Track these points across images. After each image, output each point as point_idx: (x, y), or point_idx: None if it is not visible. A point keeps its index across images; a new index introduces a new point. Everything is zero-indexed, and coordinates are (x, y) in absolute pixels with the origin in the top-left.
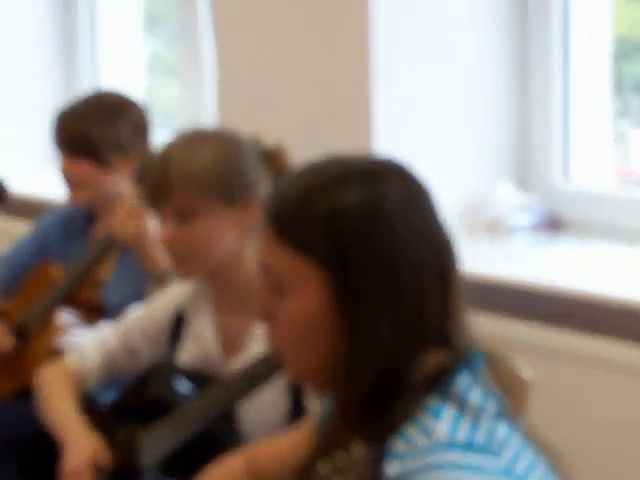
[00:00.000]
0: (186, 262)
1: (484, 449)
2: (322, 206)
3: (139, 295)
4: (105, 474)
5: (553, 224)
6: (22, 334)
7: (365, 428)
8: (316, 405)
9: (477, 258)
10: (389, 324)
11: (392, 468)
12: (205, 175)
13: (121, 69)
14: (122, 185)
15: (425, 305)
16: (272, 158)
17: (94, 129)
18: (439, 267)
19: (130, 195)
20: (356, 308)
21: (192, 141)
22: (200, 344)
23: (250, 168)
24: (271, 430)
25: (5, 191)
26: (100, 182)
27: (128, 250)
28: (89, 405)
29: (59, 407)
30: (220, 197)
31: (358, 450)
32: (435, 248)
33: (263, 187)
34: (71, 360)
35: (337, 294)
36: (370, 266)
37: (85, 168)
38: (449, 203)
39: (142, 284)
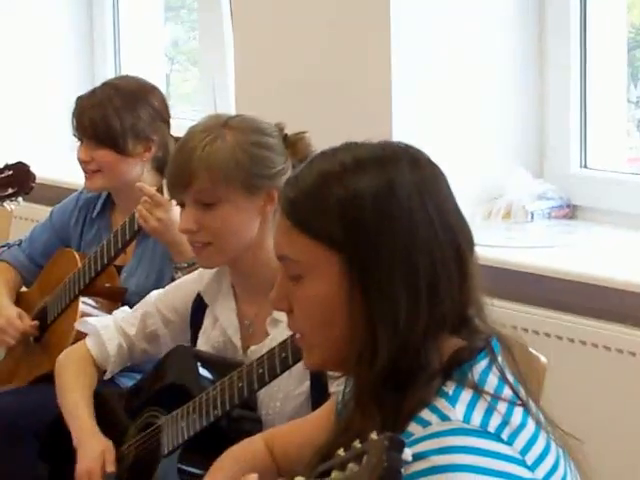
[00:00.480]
0: (208, 250)
1: (498, 435)
2: (337, 193)
3: (159, 282)
4: (112, 476)
5: (570, 211)
6: (43, 320)
7: (382, 412)
8: (338, 387)
9: (494, 245)
10: (405, 307)
11: (407, 451)
12: (227, 163)
13: (142, 56)
14: (142, 171)
15: (441, 289)
16: (295, 146)
17: (113, 116)
18: (455, 251)
19: (152, 182)
20: (372, 291)
21: (214, 128)
22: (221, 330)
23: (274, 156)
24: (294, 416)
25: (32, 180)
26: (119, 169)
27: (147, 237)
28: (107, 393)
29: (74, 401)
30: (242, 185)
31: (375, 436)
32: (450, 232)
33: (287, 175)
34: (91, 345)
35: (353, 278)
36: (385, 250)
37: (104, 155)
38: (467, 190)
39: (161, 271)
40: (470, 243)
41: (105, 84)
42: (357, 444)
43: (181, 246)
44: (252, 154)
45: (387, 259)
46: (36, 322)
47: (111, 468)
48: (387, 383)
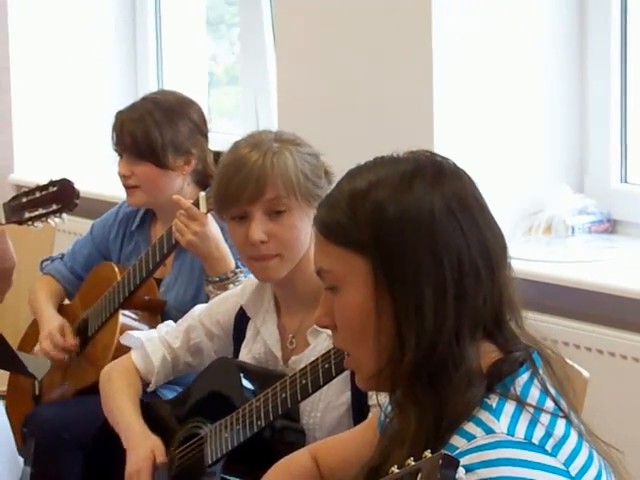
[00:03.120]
0: (275, 261)
1: (542, 446)
2: (365, 207)
3: (197, 296)
4: (164, 473)
5: (610, 226)
6: (84, 333)
7: (421, 412)
8: (381, 399)
9: (535, 259)
10: (431, 305)
11: (461, 469)
12: (297, 173)
13: (184, 71)
14: (182, 185)
15: (469, 290)
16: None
17: (154, 130)
18: (485, 255)
19: (192, 195)
20: (397, 289)
21: (268, 142)
22: (262, 342)
23: (320, 169)
24: (335, 427)
25: (77, 197)
26: (160, 183)
27: (186, 250)
28: (152, 402)
29: (121, 407)
30: (307, 195)
31: (429, 454)
32: (479, 233)
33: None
34: (135, 357)
35: (380, 278)
36: (410, 254)
37: (145, 169)
38: (508, 205)
39: (199, 285)
40: (501, 246)
41: (145, 98)
42: (411, 461)
43: (215, 260)
44: (311, 164)
45: (411, 262)
46: (76, 341)
47: (162, 459)
48: (420, 381)
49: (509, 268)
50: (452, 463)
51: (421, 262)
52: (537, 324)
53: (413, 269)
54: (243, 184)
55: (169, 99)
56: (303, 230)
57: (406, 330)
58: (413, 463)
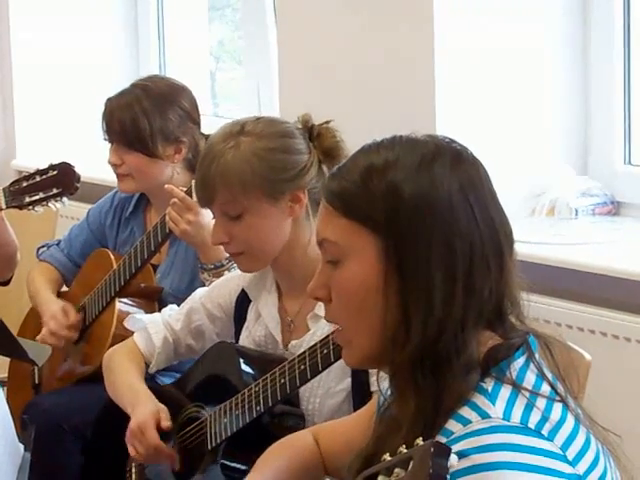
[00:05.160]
0: (242, 258)
1: (538, 431)
2: (379, 185)
3: (192, 283)
4: (172, 437)
5: (614, 208)
6: (82, 322)
7: (419, 399)
8: (380, 383)
9: (538, 242)
10: (441, 293)
11: (453, 457)
12: (242, 174)
13: (186, 56)
14: (172, 173)
15: (478, 279)
16: (321, 136)
17: (142, 121)
18: (494, 245)
19: (184, 183)
20: (408, 274)
21: (231, 138)
22: (263, 325)
23: (293, 157)
24: (334, 413)
25: (77, 180)
26: (150, 172)
27: (179, 239)
28: (152, 388)
29: (125, 380)
30: (262, 193)
31: (421, 441)
32: (490, 226)
33: (313, 170)
34: (138, 338)
35: (390, 260)
36: (424, 236)
37: (134, 158)
38: (511, 187)
39: (195, 272)
40: (509, 239)
41: (134, 85)
42: (403, 449)
43: (209, 248)
44: (268, 160)
45: (424, 245)
46: (80, 316)
47: (167, 424)
48: (422, 367)
49: (513, 263)
50: (444, 451)
51: (433, 246)
52: (540, 307)
53: (425, 252)
54: (199, 188)
55: (159, 86)
56: (268, 228)
57: (413, 314)
58: (405, 451)
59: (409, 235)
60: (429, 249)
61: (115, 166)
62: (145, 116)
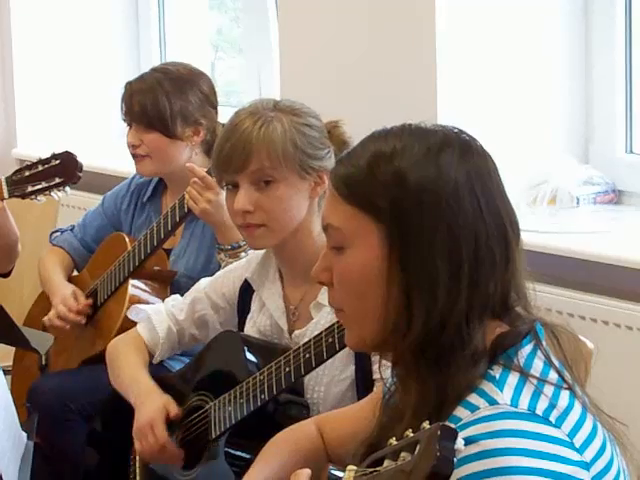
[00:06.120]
0: (261, 231)
1: (546, 417)
2: (386, 171)
3: (207, 264)
4: (176, 426)
5: (615, 196)
6: (93, 302)
7: (422, 387)
8: (384, 372)
9: (540, 231)
10: (445, 282)
11: (460, 440)
12: (285, 143)
13: (187, 44)
14: (191, 155)
15: (484, 270)
16: (331, 134)
17: (163, 100)
18: (500, 236)
19: (202, 165)
20: (411, 262)
21: (265, 111)
22: (268, 314)
23: (323, 138)
24: (339, 401)
25: (79, 170)
26: (168, 152)
27: (196, 219)
28: (156, 376)
29: (130, 372)
30: (298, 166)
31: (427, 425)
32: (497, 217)
33: (331, 160)
34: (141, 329)
35: (393, 248)
36: (428, 224)
37: (154, 138)
38: (512, 176)
39: (210, 253)
40: (516, 230)
41: (154, 69)
42: (409, 433)
43: (228, 228)
44: (306, 135)
45: (429, 234)
46: (90, 302)
47: (175, 412)
48: (425, 356)
49: (520, 254)
50: (451, 434)
51: (437, 236)
52: (542, 296)
53: (428, 242)
54: (230, 153)
55: (179, 70)
56: (293, 203)
57: (415, 304)
58: (412, 435)
59: (413, 224)
60: (433, 238)
61: (133, 147)
62: (166, 97)
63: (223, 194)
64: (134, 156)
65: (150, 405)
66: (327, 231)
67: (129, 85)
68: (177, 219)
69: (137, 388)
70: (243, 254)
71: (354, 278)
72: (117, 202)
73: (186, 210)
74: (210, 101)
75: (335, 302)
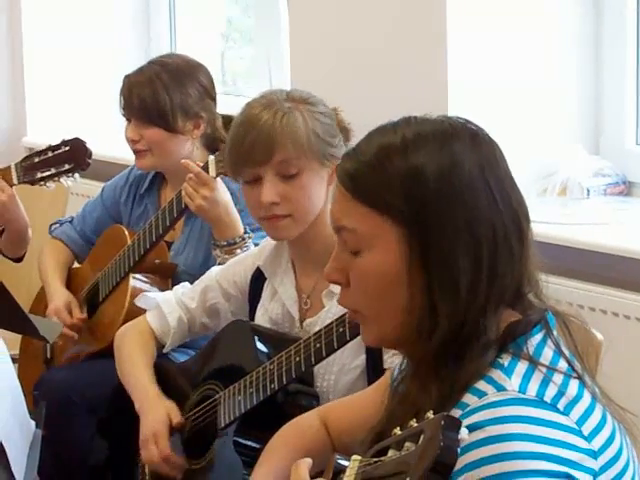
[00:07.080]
0: (286, 221)
1: (554, 405)
2: (399, 166)
3: (206, 260)
4: (181, 435)
5: (625, 187)
6: (95, 297)
7: (440, 385)
8: (392, 363)
9: (550, 222)
10: (467, 278)
11: (464, 430)
12: (307, 133)
13: (198, 34)
14: (192, 148)
15: (502, 261)
16: (339, 125)
17: (162, 95)
18: (515, 225)
19: (201, 159)
20: (433, 262)
21: (280, 102)
22: (280, 302)
23: (335, 128)
24: (349, 389)
25: (89, 156)
26: (169, 147)
27: (195, 216)
28: (166, 365)
29: (135, 372)
30: (320, 155)
31: (431, 415)
32: (510, 207)
33: (343, 148)
34: (151, 318)
35: (414, 249)
36: (447, 222)
37: (154, 133)
38: (523, 167)
39: (209, 249)
40: (527, 218)
41: (152, 62)
42: (414, 423)
43: (224, 225)
44: (323, 123)
45: (449, 231)
46: (84, 315)
47: (178, 420)
48: (446, 355)
49: (530, 242)
50: (454, 424)
51: (459, 235)
52: (552, 287)
53: (450, 241)
54: (253, 146)
55: (177, 62)
56: (315, 191)
57: (440, 303)
58: (416, 424)
59: (434, 222)
60: (454, 237)
61: (133, 142)
62: (165, 91)
63: (218, 190)
64: (134, 151)
65: (153, 416)
66: (340, 233)
67: (127, 78)
68: (175, 214)
69: (141, 393)
70: (239, 250)
71: (373, 281)
72: (116, 193)
73: (183, 206)
74: (209, 93)
75: (350, 303)
